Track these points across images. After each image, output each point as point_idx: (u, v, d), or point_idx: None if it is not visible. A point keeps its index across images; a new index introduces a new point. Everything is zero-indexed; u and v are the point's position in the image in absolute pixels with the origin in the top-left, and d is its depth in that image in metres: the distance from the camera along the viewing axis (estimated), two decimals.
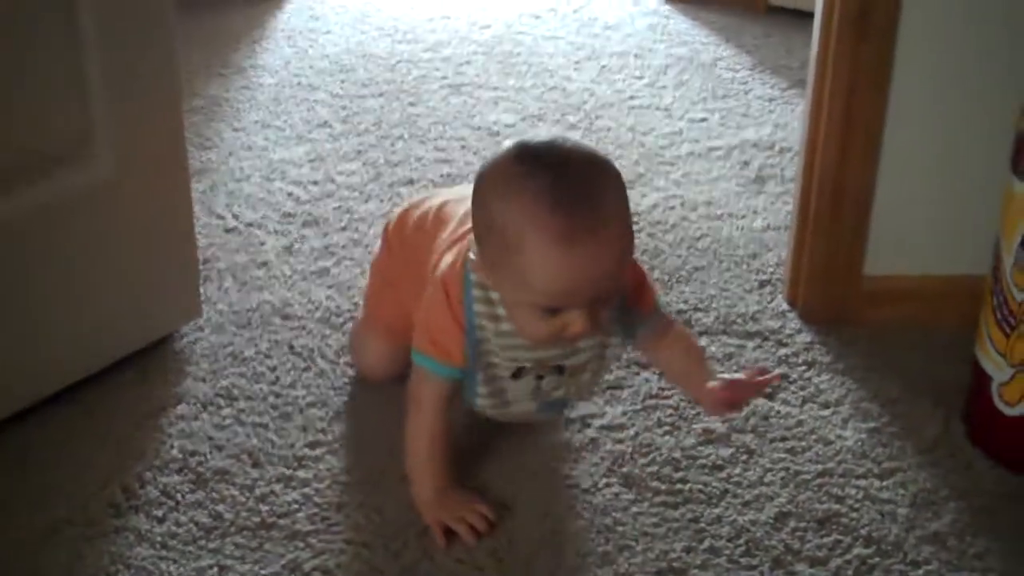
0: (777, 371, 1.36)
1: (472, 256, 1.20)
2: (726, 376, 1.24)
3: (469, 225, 1.25)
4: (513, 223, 1.11)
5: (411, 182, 2.04)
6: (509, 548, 1.23)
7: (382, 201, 1.97)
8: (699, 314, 1.66)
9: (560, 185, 1.11)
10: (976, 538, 1.26)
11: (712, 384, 1.22)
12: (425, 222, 1.38)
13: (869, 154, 1.59)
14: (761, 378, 1.23)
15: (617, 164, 2.06)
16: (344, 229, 1.87)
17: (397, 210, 1.49)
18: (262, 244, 1.82)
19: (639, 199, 1.99)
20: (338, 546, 1.23)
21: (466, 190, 1.33)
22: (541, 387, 1.26)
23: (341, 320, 1.62)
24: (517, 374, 1.25)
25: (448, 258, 1.26)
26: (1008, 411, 1.35)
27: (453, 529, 1.24)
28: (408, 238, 1.41)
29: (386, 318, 1.44)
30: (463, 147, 2.18)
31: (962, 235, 1.58)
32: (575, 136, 2.20)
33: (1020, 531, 1.27)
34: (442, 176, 2.06)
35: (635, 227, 1.86)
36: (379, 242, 1.50)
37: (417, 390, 1.27)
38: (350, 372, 1.51)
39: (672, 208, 1.97)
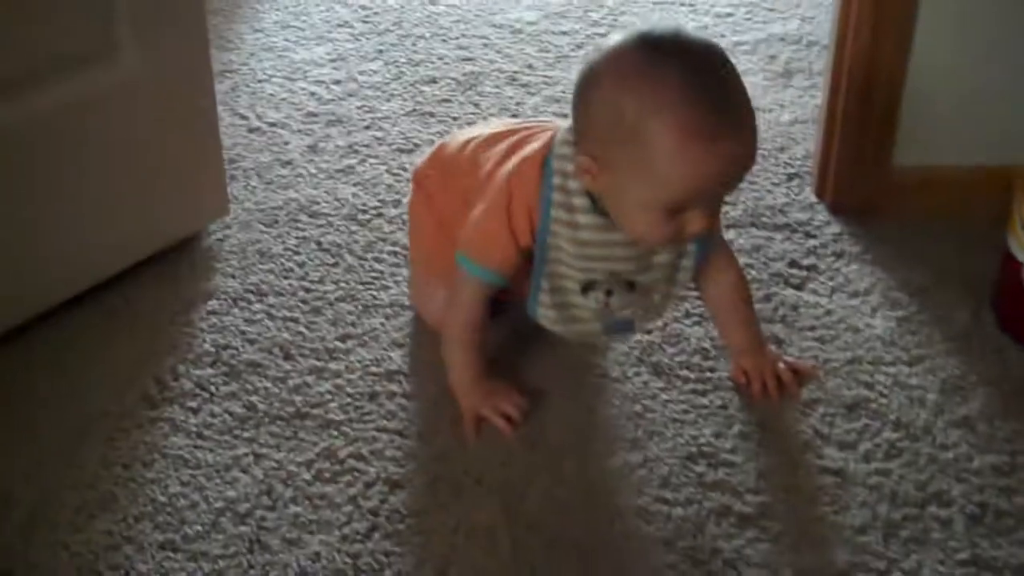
0: (813, 366, 1.33)
1: (561, 163, 1.15)
2: (752, 366, 1.30)
3: (533, 133, 1.23)
4: (649, 116, 1.05)
5: (433, 80, 2.02)
6: (540, 435, 1.25)
7: (405, 100, 1.95)
8: (726, 207, 1.65)
9: (701, 77, 1.06)
10: (1005, 422, 1.26)
11: (745, 366, 1.30)
12: (470, 146, 1.32)
13: (901, 43, 1.57)
14: (793, 380, 1.30)
15: None
16: (368, 128, 1.86)
17: (434, 148, 1.43)
18: (286, 143, 1.81)
19: None
20: (371, 434, 1.25)
21: (500, 125, 1.34)
22: (609, 304, 1.22)
23: (368, 216, 1.62)
24: (586, 288, 1.21)
25: (513, 162, 1.21)
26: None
27: (487, 418, 1.24)
28: (457, 166, 1.33)
29: (447, 267, 1.31)
30: (485, 45, 2.15)
31: (994, 125, 1.56)
32: (599, 35, 2.18)
33: None
34: (465, 75, 2.04)
35: None
36: (411, 190, 1.44)
37: (458, 286, 1.25)
38: (377, 267, 1.52)
39: None
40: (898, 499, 1.17)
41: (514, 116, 1.90)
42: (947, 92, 1.58)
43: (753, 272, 1.51)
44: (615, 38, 1.10)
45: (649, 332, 1.37)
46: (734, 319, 1.31)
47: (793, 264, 1.53)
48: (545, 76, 2.04)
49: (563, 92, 1.98)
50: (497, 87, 2.00)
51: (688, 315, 1.43)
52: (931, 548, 1.12)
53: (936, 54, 1.55)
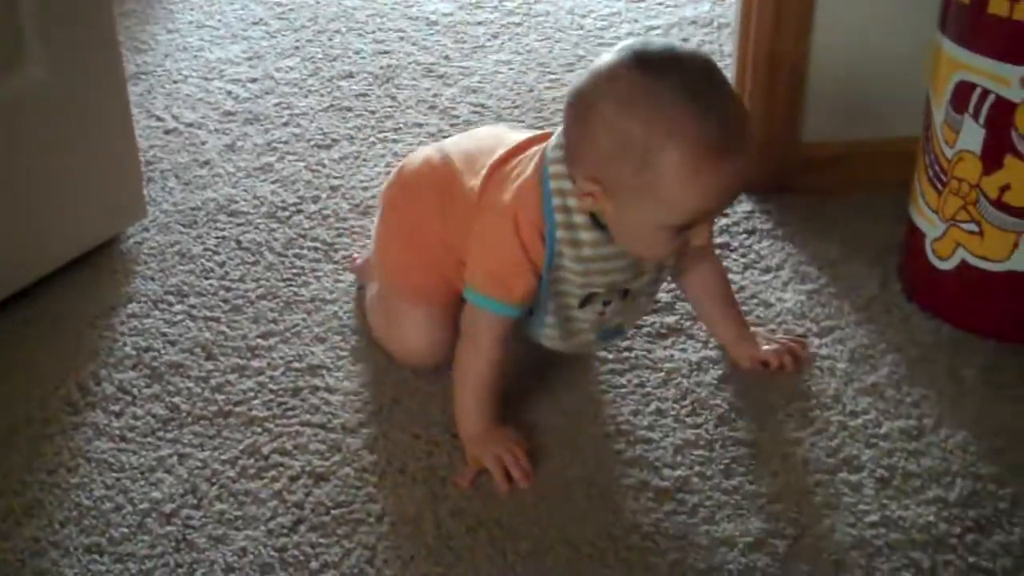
0: (811, 350, 1.36)
1: (555, 182, 1.13)
2: (766, 348, 1.33)
3: (511, 152, 1.21)
4: (654, 139, 1.03)
5: (350, 75, 2.03)
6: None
7: (322, 95, 1.96)
8: None
9: (703, 94, 1.04)
10: (912, 387, 1.30)
11: (750, 352, 1.32)
12: (436, 159, 1.30)
13: (802, 22, 1.60)
14: (794, 357, 1.32)
15: (557, 48, 2.12)
16: (286, 124, 1.87)
17: (395, 169, 1.40)
18: (203, 143, 1.81)
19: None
20: (294, 429, 1.26)
21: (476, 134, 1.33)
22: (605, 313, 1.21)
23: (287, 214, 1.63)
24: (585, 302, 1.19)
25: (511, 185, 1.17)
26: (941, 265, 1.39)
27: (489, 470, 1.19)
28: (425, 178, 1.30)
29: (418, 284, 1.30)
30: (401, 38, 2.17)
31: (895, 98, 1.60)
32: (514, 24, 2.20)
33: (954, 378, 1.32)
34: (382, 68, 2.05)
35: None
36: (378, 209, 1.40)
37: (472, 328, 1.20)
38: (298, 263, 1.53)
39: None
40: (810, 466, 1.20)
41: (432, 107, 1.91)
42: (850, 68, 1.62)
43: None
44: (607, 58, 1.08)
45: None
46: (723, 310, 1.33)
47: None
48: (462, 67, 2.06)
49: (479, 82, 2.00)
50: (414, 79, 2.01)
51: None
52: (842, 512, 1.15)
53: (837, 32, 1.59)
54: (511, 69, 2.04)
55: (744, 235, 1.58)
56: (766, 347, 1.33)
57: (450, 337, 1.26)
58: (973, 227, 1.34)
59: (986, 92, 1.28)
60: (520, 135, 1.27)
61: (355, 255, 1.51)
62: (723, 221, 1.60)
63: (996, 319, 1.37)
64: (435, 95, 1.96)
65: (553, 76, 2.02)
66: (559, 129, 1.16)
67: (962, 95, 1.31)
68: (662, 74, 1.05)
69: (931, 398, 1.29)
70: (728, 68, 1.85)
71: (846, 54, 1.61)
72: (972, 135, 1.31)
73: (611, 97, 1.06)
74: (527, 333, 1.25)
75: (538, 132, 1.26)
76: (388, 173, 1.69)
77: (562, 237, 1.15)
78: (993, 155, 1.30)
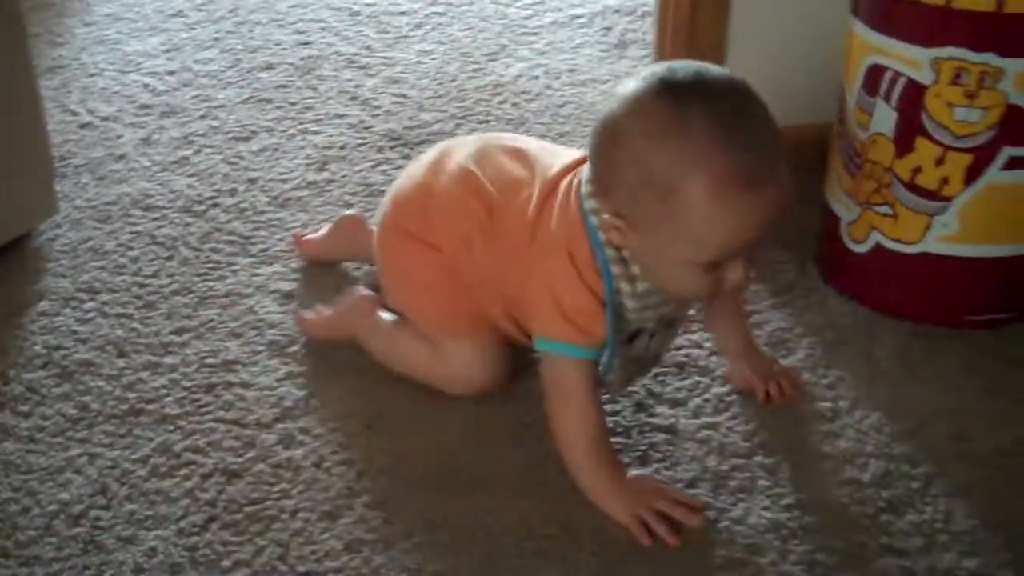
0: (797, 373, 1.30)
1: (595, 216, 1.08)
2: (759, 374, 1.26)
3: (569, 174, 1.14)
4: (682, 174, 0.98)
5: (270, 66, 2.00)
6: (379, 416, 1.25)
7: (241, 87, 1.93)
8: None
9: (730, 122, 0.98)
10: (828, 370, 1.31)
11: (748, 370, 1.26)
12: (479, 184, 1.20)
13: (719, 9, 1.61)
14: (790, 387, 1.27)
15: (480, 37, 2.11)
16: (203, 117, 1.84)
17: (396, 206, 1.28)
18: (119, 137, 1.78)
19: (503, 70, 1.99)
20: (208, 425, 1.24)
21: (481, 140, 1.26)
22: (650, 347, 1.16)
23: (203, 207, 1.60)
24: (633, 336, 1.13)
25: (559, 218, 1.11)
26: (856, 248, 1.40)
27: (650, 526, 1.10)
28: (464, 209, 1.21)
29: (468, 312, 1.23)
30: (323, 28, 2.14)
31: (811, 84, 1.61)
32: (437, 14, 2.19)
33: (869, 360, 1.33)
34: (303, 59, 2.03)
35: (499, 98, 1.90)
36: (385, 260, 1.31)
37: (561, 383, 1.13)
38: (213, 257, 1.50)
39: (536, 77, 1.97)
40: (726, 451, 1.20)
41: (353, 97, 1.89)
42: (766, 54, 1.62)
43: None
44: (632, 85, 1.02)
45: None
46: (730, 323, 1.27)
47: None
48: (384, 57, 2.04)
49: (402, 72, 1.98)
50: (336, 70, 2.00)
51: None
52: (757, 495, 1.15)
53: (753, 19, 1.60)
54: (434, 59, 2.03)
55: None
56: (755, 369, 1.27)
57: (507, 360, 1.22)
58: (887, 210, 1.35)
59: (897, 75, 1.29)
60: (560, 153, 1.21)
61: (299, 233, 1.51)
62: None
63: (910, 301, 1.38)
64: (357, 86, 1.94)
65: (476, 66, 2.01)
66: (588, 158, 1.10)
67: (874, 78, 1.32)
68: (688, 103, 0.99)
69: (847, 380, 1.30)
70: (649, 56, 1.86)
71: (763, 40, 1.62)
72: (884, 118, 1.32)
73: (635, 129, 1.00)
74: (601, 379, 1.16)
75: (577, 152, 1.20)
76: (308, 165, 1.68)
77: (617, 273, 1.09)
78: (905, 138, 1.31)
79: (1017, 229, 1.33)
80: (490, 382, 1.24)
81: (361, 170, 1.69)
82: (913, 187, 1.32)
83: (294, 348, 1.34)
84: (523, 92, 1.92)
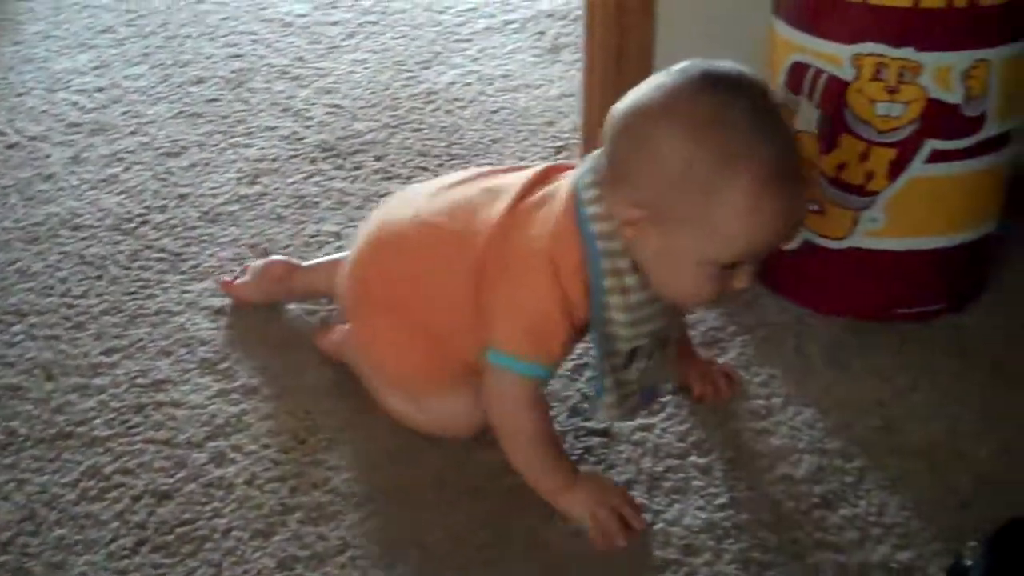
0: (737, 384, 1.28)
1: (597, 223, 1.03)
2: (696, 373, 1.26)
3: (545, 181, 1.10)
4: (724, 164, 0.95)
5: (201, 80, 1.99)
6: (309, 431, 1.24)
7: (172, 102, 1.91)
8: None
9: (770, 122, 0.98)
10: (761, 368, 1.32)
11: (691, 372, 1.25)
12: (433, 224, 1.15)
13: (645, 14, 1.61)
14: (731, 384, 1.26)
15: (413, 45, 2.10)
16: (133, 134, 1.82)
17: (355, 277, 1.23)
18: (47, 157, 1.76)
19: (436, 78, 1.98)
20: (138, 447, 1.22)
21: (420, 191, 1.21)
22: (648, 369, 1.11)
23: (133, 225, 1.59)
24: (630, 357, 1.09)
25: (541, 224, 1.06)
26: (786, 246, 1.41)
27: (603, 524, 1.09)
28: (422, 256, 1.15)
29: (446, 372, 1.18)
30: (254, 40, 2.13)
31: None
32: (370, 23, 2.18)
33: (800, 357, 1.33)
34: (234, 72, 2.01)
35: (432, 106, 1.90)
36: (349, 305, 1.25)
37: (500, 397, 1.09)
38: (144, 275, 1.48)
39: (469, 84, 1.97)
40: (661, 452, 1.20)
41: (285, 109, 1.88)
42: (693, 54, 1.62)
43: None
44: (671, 77, 1.00)
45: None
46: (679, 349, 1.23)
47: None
48: (316, 68, 2.03)
49: (334, 83, 1.97)
50: (267, 82, 1.98)
51: None
52: (692, 496, 1.15)
53: (680, 18, 1.60)
54: (367, 68, 2.02)
55: None
56: (699, 372, 1.27)
57: (545, 412, 1.15)
58: (814, 206, 1.36)
59: (819, 72, 1.30)
60: (512, 172, 1.16)
61: (226, 280, 1.43)
62: None
63: (839, 296, 1.39)
64: (289, 97, 1.93)
65: (410, 74, 2.00)
66: (588, 161, 1.06)
67: (797, 76, 1.33)
68: (733, 96, 0.98)
69: (779, 377, 1.30)
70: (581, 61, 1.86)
71: (688, 41, 1.62)
72: (808, 115, 1.33)
73: (680, 117, 0.97)
74: (589, 414, 1.14)
75: (545, 164, 1.15)
76: (240, 179, 1.67)
77: (611, 285, 1.04)
78: (829, 134, 1.32)
79: (942, 221, 1.35)
80: (477, 427, 1.17)
81: (294, 182, 1.68)
82: (839, 183, 1.33)
83: (225, 365, 1.33)
84: (456, 99, 1.91)
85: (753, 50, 1.47)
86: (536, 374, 1.08)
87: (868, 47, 1.25)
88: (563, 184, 1.09)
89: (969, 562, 1.02)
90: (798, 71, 1.32)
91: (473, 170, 1.23)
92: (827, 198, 1.34)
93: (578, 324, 1.07)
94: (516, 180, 1.13)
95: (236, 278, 1.43)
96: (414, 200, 1.20)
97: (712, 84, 0.99)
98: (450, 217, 1.14)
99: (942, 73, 1.24)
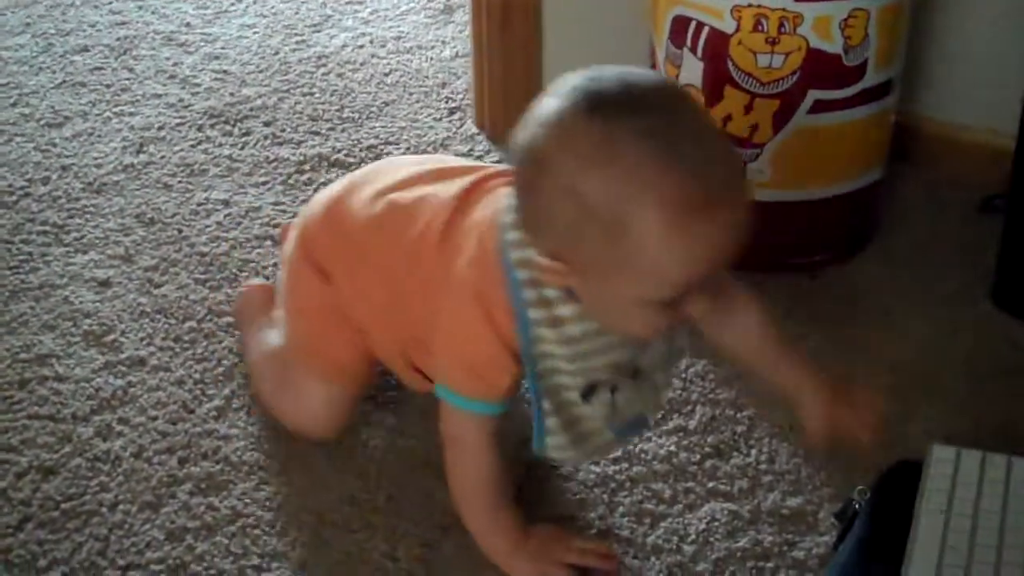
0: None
1: (515, 250, 0.94)
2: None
3: (479, 191, 1.02)
4: (623, 201, 0.84)
5: (85, 49, 1.93)
6: (196, 401, 1.22)
7: (54, 72, 1.86)
8: (390, 147, 1.66)
9: (673, 136, 0.85)
10: None
11: (825, 410, 1.04)
12: (380, 218, 1.08)
13: None
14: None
15: (304, 8, 2.06)
16: (14, 105, 1.76)
17: (306, 224, 1.16)
18: None
19: (327, 41, 1.95)
20: (21, 423, 1.19)
21: (377, 169, 1.14)
22: (616, 404, 1.00)
23: (14, 198, 1.54)
24: (588, 394, 0.98)
25: (466, 258, 0.98)
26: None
27: None
28: (359, 245, 1.10)
29: (337, 358, 1.13)
30: (140, 7, 2.07)
31: (629, 39, 1.61)
32: None
33: None
34: (118, 39, 1.96)
35: (324, 69, 1.87)
36: (284, 271, 1.19)
37: (457, 434, 1.02)
38: (25, 248, 1.44)
39: (361, 47, 1.94)
40: None
41: (172, 76, 1.84)
42: (580, 13, 1.62)
43: None
44: (553, 105, 0.88)
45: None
46: (774, 352, 1.07)
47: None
48: (204, 33, 1.98)
49: (223, 48, 1.93)
50: (153, 49, 1.93)
51: None
52: None
53: None
54: (256, 33, 1.98)
55: None
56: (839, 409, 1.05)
57: (352, 413, 1.16)
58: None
59: (701, 25, 1.30)
60: (467, 169, 1.08)
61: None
62: None
63: None
64: (175, 64, 1.88)
65: (300, 37, 1.97)
66: (512, 189, 0.95)
67: (679, 29, 1.33)
68: (618, 119, 0.85)
69: None
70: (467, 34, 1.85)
71: (579, 2, 1.62)
72: (692, 69, 1.33)
73: (565, 156, 0.86)
74: (535, 452, 1.02)
75: (484, 166, 1.08)
76: (125, 148, 1.63)
77: (537, 318, 0.95)
78: (713, 87, 1.32)
79: (828, 171, 1.36)
80: (328, 432, 1.15)
81: (180, 150, 1.64)
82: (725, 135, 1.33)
83: (111, 337, 1.30)
84: (348, 62, 1.88)
85: (638, 5, 1.48)
86: (487, 411, 1.01)
87: None
88: (491, 202, 1.00)
89: (858, 506, 1.04)
90: (680, 24, 1.32)
91: (419, 167, 1.13)
92: None
93: (518, 356, 0.98)
94: (449, 191, 1.04)
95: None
96: (371, 186, 1.12)
97: (596, 109, 0.86)
98: (399, 216, 1.06)
99: (821, 23, 1.25)
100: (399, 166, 1.15)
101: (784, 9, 1.24)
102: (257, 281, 1.34)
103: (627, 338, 0.97)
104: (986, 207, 1.46)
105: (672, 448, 1.16)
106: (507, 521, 1.04)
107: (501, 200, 0.98)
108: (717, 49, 1.29)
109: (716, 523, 1.08)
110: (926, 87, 1.54)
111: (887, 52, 1.31)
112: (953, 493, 1.01)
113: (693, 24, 1.30)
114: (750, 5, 1.25)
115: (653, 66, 1.41)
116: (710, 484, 1.13)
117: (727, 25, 1.28)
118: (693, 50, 1.31)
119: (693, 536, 1.07)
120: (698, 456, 1.15)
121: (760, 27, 1.26)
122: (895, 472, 1.08)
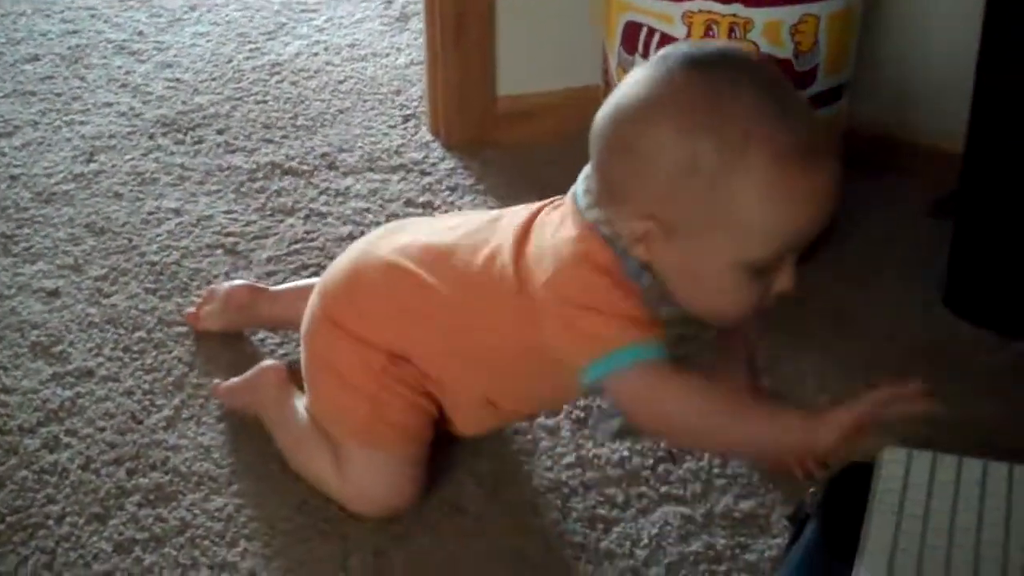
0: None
1: (607, 228, 0.91)
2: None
3: (532, 223, 0.97)
4: (727, 147, 0.83)
5: (36, 58, 1.92)
6: (115, 410, 1.21)
7: (3, 81, 1.84)
8: (344, 155, 1.65)
9: (777, 94, 0.85)
10: None
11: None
12: (413, 268, 1.03)
13: None
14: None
15: (258, 16, 2.06)
16: None
17: (329, 293, 1.10)
18: None
19: (281, 49, 1.95)
20: None
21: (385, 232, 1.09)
22: None
23: None
24: None
25: (553, 251, 0.92)
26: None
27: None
28: (393, 289, 1.05)
29: (402, 424, 1.06)
30: (93, 16, 2.06)
31: (582, 47, 1.62)
32: None
33: None
34: (69, 48, 1.94)
35: (277, 77, 1.86)
36: (313, 352, 1.11)
37: (649, 398, 0.91)
38: None
39: (316, 54, 1.94)
40: None
41: (123, 85, 1.82)
42: (534, 21, 1.63)
43: (370, 216, 1.51)
44: (647, 69, 0.88)
45: None
46: (745, 378, 1.07)
47: (409, 203, 1.55)
48: (156, 42, 1.98)
49: (175, 56, 1.92)
50: (105, 58, 1.92)
51: None
52: (539, 457, 1.15)
53: None
54: (209, 41, 1.97)
55: (447, 192, 1.57)
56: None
57: (424, 476, 1.07)
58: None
59: (652, 30, 1.31)
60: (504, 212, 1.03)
61: (191, 312, 1.31)
62: (426, 179, 1.59)
63: None
64: (127, 72, 1.87)
65: (253, 45, 1.96)
66: (581, 178, 0.95)
67: (631, 35, 1.33)
68: (724, 73, 0.85)
69: None
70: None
71: (529, 6, 1.62)
72: None
73: (667, 109, 0.85)
74: (598, 437, 1.01)
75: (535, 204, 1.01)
76: (75, 157, 1.62)
77: (648, 285, 0.91)
78: None
79: None
80: (400, 502, 1.07)
81: (131, 159, 1.63)
82: None
83: (59, 348, 1.28)
84: (302, 70, 1.88)
85: (591, 13, 1.48)
86: (657, 355, 0.90)
87: (698, 4, 1.26)
88: (556, 209, 0.97)
89: (810, 508, 1.04)
90: (632, 31, 1.32)
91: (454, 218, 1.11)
92: None
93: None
94: (507, 222, 1.00)
95: (201, 306, 1.31)
96: (395, 244, 1.07)
97: (696, 64, 0.86)
98: (433, 263, 1.03)
99: (771, 28, 1.26)
100: (409, 225, 1.12)
101: (734, 15, 1.25)
102: (269, 363, 1.20)
103: (707, 320, 0.93)
104: (937, 210, 1.47)
105: (625, 453, 1.16)
106: (774, 408, 0.94)
107: (566, 208, 0.95)
108: None
109: (669, 527, 1.08)
110: (877, 91, 1.55)
111: (837, 57, 1.32)
112: (904, 495, 1.01)
113: (644, 30, 1.31)
114: (701, 11, 1.26)
115: (605, 73, 1.41)
116: (663, 488, 1.12)
117: (678, 30, 1.28)
118: (645, 56, 1.32)
119: (646, 540, 1.07)
120: (651, 460, 1.15)
121: (711, 32, 1.26)
122: (846, 474, 1.08)
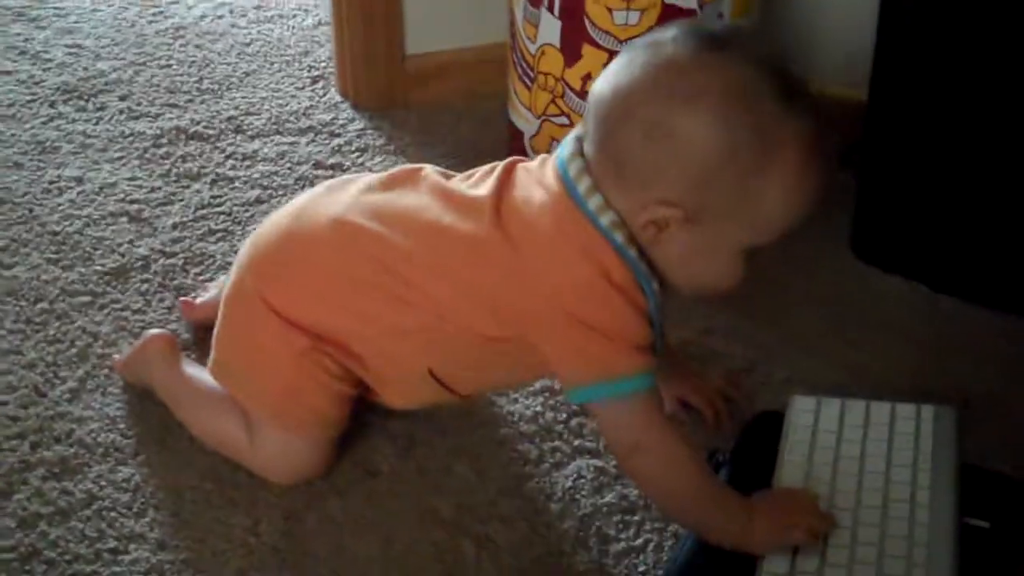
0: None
1: (606, 215, 0.89)
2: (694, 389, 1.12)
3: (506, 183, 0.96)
4: (762, 139, 0.85)
5: None
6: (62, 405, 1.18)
7: None
8: (251, 118, 1.62)
9: (796, 85, 0.87)
10: None
11: (677, 389, 1.11)
12: (363, 227, 0.98)
13: None
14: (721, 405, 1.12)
15: None
16: None
17: (258, 270, 1.05)
18: None
19: (185, 12, 1.90)
20: None
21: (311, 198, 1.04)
22: None
23: None
24: None
25: (548, 237, 0.91)
26: None
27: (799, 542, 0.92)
28: (344, 268, 1.00)
29: (316, 407, 1.03)
30: None
31: (490, 3, 1.60)
32: None
33: None
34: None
35: (181, 41, 1.82)
36: (229, 325, 1.07)
37: (640, 428, 0.92)
38: None
39: (221, 17, 1.89)
40: None
41: (22, 52, 1.77)
42: None
43: (278, 179, 1.49)
44: (664, 47, 0.87)
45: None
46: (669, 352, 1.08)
47: (318, 165, 1.52)
48: (56, 8, 1.92)
49: (76, 22, 1.87)
50: (3, 25, 1.86)
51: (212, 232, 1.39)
52: (453, 415, 1.15)
53: None
54: (111, 6, 1.92)
55: (356, 153, 1.55)
56: (694, 391, 1.13)
57: (335, 449, 1.06)
58: (564, 120, 1.36)
59: None
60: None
61: (187, 299, 1.25)
62: (335, 141, 1.57)
63: None
64: (26, 39, 1.81)
65: (156, 9, 1.91)
66: (568, 154, 0.92)
67: None
68: (748, 62, 0.86)
69: None
70: None
71: None
72: (550, 28, 1.32)
73: (702, 98, 0.85)
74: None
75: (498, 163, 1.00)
76: None
77: (653, 288, 0.92)
78: (571, 46, 1.31)
79: None
80: (314, 474, 1.06)
81: (31, 128, 1.58)
82: (585, 95, 1.32)
83: None
84: (207, 33, 1.84)
85: None
86: (651, 385, 0.92)
87: None
88: (537, 190, 0.93)
89: (721, 456, 1.05)
90: None
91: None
92: (575, 111, 1.34)
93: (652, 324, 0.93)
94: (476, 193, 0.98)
95: (195, 297, 1.25)
96: (330, 204, 1.03)
97: (716, 47, 0.86)
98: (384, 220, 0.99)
99: None
100: (336, 190, 1.05)
101: None
102: (155, 331, 1.18)
103: (701, 294, 0.97)
104: (843, 160, 1.48)
105: (539, 408, 1.16)
106: (735, 504, 0.93)
107: (550, 175, 0.93)
108: (573, 8, 1.29)
109: (582, 480, 1.08)
110: (780, 41, 1.55)
111: (742, 7, 1.32)
112: (814, 441, 1.02)
113: None
114: None
115: (511, 26, 1.39)
116: (576, 442, 1.12)
117: None
118: (550, 9, 1.31)
119: (559, 494, 1.07)
120: (564, 415, 1.15)
121: None
122: (758, 422, 1.09)
